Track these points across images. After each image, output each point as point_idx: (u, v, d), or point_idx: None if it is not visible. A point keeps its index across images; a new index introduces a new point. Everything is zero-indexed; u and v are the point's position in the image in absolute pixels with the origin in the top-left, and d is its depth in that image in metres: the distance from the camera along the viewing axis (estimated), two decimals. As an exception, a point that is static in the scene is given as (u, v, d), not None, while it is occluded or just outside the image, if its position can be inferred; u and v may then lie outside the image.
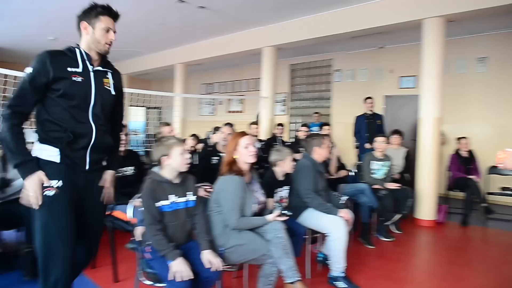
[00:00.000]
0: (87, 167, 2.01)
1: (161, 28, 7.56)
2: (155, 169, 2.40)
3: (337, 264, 3.12)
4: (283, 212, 2.66)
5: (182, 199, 2.38)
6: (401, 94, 7.90)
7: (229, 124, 4.69)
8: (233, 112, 11.17)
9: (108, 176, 2.17)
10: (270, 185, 3.16)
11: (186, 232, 2.40)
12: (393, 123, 7.92)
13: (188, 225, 2.40)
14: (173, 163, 2.32)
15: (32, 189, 1.84)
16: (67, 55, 1.96)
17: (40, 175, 1.86)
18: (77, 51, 1.99)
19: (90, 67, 2.00)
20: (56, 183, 1.90)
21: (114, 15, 2.02)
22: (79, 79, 1.94)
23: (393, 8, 5.58)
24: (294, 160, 3.41)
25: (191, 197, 2.41)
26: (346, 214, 3.22)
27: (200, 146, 5.81)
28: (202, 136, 6.81)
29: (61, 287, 1.88)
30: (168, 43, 8.91)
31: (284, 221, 2.95)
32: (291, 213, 2.71)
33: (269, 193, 3.13)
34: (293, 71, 9.91)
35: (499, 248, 4.42)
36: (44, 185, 1.87)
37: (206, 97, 11.47)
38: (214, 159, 4.20)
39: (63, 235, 1.89)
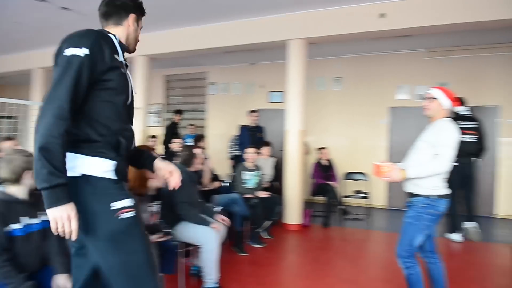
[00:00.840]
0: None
1: (16, 28, 6.70)
2: (-1, 188, 2.10)
3: (211, 276, 3.14)
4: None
5: (36, 220, 2.12)
6: (271, 108, 8.45)
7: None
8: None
9: None
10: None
11: (40, 257, 2.14)
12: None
13: (43, 249, 2.15)
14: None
15: (66, 219, 1.41)
16: (110, 41, 1.61)
17: (72, 206, 1.43)
18: (114, 39, 1.64)
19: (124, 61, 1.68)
20: (129, 203, 1.54)
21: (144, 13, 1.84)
22: (124, 71, 1.63)
23: (262, 28, 5.97)
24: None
25: (45, 216, 2.17)
26: (218, 225, 3.30)
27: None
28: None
29: None
30: (26, 44, 7.92)
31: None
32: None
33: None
34: (168, 82, 9.78)
35: (354, 245, 5.04)
36: (113, 207, 1.50)
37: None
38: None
39: (151, 266, 1.57)
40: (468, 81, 6.73)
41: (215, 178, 5.11)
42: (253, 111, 6.82)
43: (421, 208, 2.62)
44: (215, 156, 7.11)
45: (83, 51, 1.45)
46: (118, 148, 1.57)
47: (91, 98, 1.51)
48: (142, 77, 7.22)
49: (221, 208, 4.40)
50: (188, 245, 3.37)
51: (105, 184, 1.53)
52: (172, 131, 7.50)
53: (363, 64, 7.70)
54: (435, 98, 2.70)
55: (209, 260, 3.13)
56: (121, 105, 1.60)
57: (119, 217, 1.50)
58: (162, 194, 3.28)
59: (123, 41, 1.71)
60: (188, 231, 3.23)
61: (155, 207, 3.22)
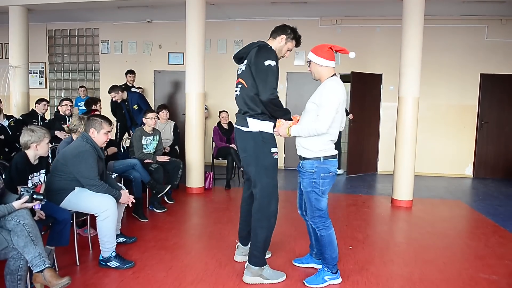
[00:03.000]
0: None
1: None
2: None
3: (108, 244, 3.00)
4: (34, 197, 2.33)
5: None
6: (170, 70, 8.13)
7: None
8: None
9: None
10: (20, 170, 2.73)
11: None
12: (163, 98, 8.13)
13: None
14: None
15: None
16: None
17: None
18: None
19: None
20: (277, 149, 2.82)
21: (299, 45, 2.97)
22: None
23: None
24: (55, 138, 3.04)
25: None
26: (126, 195, 3.23)
27: None
28: None
29: (275, 216, 2.85)
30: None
31: (44, 209, 2.64)
32: (42, 196, 2.41)
33: (21, 180, 2.71)
34: (52, 38, 8.70)
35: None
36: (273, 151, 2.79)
37: None
38: None
39: (277, 188, 2.86)
40: (357, 50, 7.21)
41: (110, 143, 4.79)
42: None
43: (312, 173, 2.68)
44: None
45: (273, 62, 2.71)
46: (272, 117, 2.77)
47: None
48: (19, 31, 6.30)
49: (117, 174, 4.20)
50: (82, 214, 3.17)
51: (270, 136, 2.79)
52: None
53: (262, 28, 7.65)
54: (310, 61, 2.75)
55: (106, 228, 2.97)
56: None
57: (274, 157, 2.79)
58: (45, 163, 3.00)
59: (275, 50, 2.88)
60: (83, 200, 3.01)
61: (41, 176, 2.93)
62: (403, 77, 5.14)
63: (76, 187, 3.05)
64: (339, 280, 2.86)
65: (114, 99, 6.22)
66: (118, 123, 6.59)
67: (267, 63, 2.64)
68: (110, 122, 3.24)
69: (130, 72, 6.87)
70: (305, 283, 2.81)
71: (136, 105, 6.17)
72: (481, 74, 7.25)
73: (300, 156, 2.78)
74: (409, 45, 5.05)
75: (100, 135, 3.15)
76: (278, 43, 2.86)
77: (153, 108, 6.05)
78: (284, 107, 2.81)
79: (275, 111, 2.74)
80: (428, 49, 6.26)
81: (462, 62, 7.25)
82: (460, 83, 7.31)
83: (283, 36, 2.85)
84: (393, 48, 6.86)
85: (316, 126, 2.58)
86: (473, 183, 6.99)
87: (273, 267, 2.97)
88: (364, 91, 7.44)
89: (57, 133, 4.79)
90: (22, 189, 2.33)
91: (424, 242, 3.86)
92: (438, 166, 7.46)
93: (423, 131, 6.69)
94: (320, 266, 2.93)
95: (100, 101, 5.97)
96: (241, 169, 5.97)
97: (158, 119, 5.30)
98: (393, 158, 5.39)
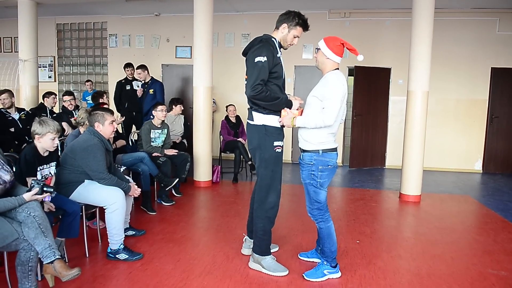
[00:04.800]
0: None
1: None
2: None
3: (117, 237, 3.04)
4: (44, 189, 2.36)
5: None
6: (178, 64, 8.14)
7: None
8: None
9: None
10: (29, 161, 2.76)
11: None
12: (171, 92, 8.14)
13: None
14: None
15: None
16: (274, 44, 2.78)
17: None
18: (275, 41, 2.81)
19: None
20: (282, 143, 2.84)
21: (307, 29, 2.86)
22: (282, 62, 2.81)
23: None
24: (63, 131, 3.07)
25: None
26: (134, 187, 3.29)
27: None
28: None
29: (274, 209, 2.89)
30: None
31: (54, 201, 2.68)
32: (52, 189, 2.43)
33: (29, 171, 2.74)
34: (61, 32, 8.74)
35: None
36: (275, 144, 2.80)
37: None
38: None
39: (280, 178, 2.89)
40: (365, 43, 7.21)
41: (119, 136, 4.83)
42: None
43: (311, 165, 2.69)
44: (116, 115, 6.71)
45: (263, 58, 2.64)
46: (279, 110, 2.76)
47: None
48: (28, 25, 6.35)
49: (126, 167, 4.23)
50: (92, 207, 3.20)
51: (274, 129, 2.80)
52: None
53: (270, 21, 7.63)
54: (319, 48, 2.72)
55: (115, 221, 3.00)
56: (281, 85, 2.81)
57: (276, 150, 2.80)
58: (55, 155, 3.03)
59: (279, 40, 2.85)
60: (92, 193, 3.05)
61: (51, 169, 2.96)
62: (412, 71, 5.09)
63: (85, 180, 3.09)
64: (339, 274, 2.85)
65: (139, 77, 6.47)
66: (121, 112, 6.65)
67: (256, 59, 2.62)
68: (111, 112, 3.27)
69: (129, 65, 6.73)
70: (305, 277, 2.81)
71: (153, 90, 6.33)
72: (492, 68, 7.14)
73: (300, 149, 2.81)
74: (419, 39, 4.98)
75: (106, 126, 3.17)
76: (281, 33, 2.82)
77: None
78: (277, 97, 2.70)
79: (266, 105, 2.70)
80: (438, 43, 6.19)
81: (473, 56, 7.15)
82: (470, 77, 7.21)
83: (285, 24, 2.80)
84: (403, 42, 6.81)
85: (324, 118, 2.57)
86: (483, 178, 6.92)
87: (279, 260, 2.99)
88: (369, 85, 7.40)
89: (64, 124, 4.82)
90: (32, 181, 2.36)
91: (432, 237, 3.84)
92: (447, 161, 7.40)
93: (432, 125, 6.64)
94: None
95: (106, 93, 6.00)
96: (249, 163, 6.01)
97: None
98: (402, 153, 5.36)
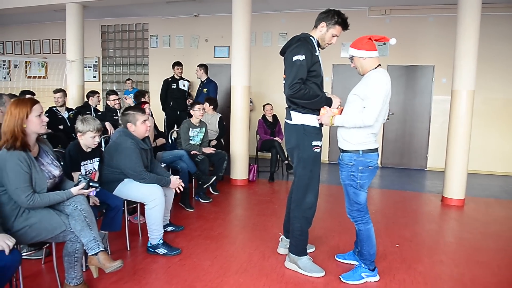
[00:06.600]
0: None
1: None
2: None
3: (156, 232, 3.13)
4: (90, 184, 2.47)
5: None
6: (216, 63, 8.24)
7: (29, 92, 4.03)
8: (34, 77, 9.61)
9: None
10: (73, 157, 2.90)
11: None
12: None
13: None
14: None
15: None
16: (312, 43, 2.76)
17: None
18: (314, 40, 2.78)
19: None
20: (320, 143, 2.82)
21: (347, 28, 2.81)
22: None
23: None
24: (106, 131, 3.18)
25: None
26: (176, 180, 3.36)
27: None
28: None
29: (312, 209, 2.87)
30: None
31: (98, 195, 2.79)
32: (97, 184, 2.54)
33: (73, 166, 2.88)
34: (105, 33, 9.11)
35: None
36: (314, 144, 2.78)
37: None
38: None
39: (318, 178, 2.88)
40: (407, 41, 6.99)
41: (159, 135, 4.97)
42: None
43: (350, 166, 2.64)
44: (159, 112, 6.90)
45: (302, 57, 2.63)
46: (318, 109, 2.74)
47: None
48: (75, 27, 6.64)
49: (165, 165, 4.34)
50: (133, 202, 3.32)
51: (313, 129, 2.77)
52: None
53: (308, 20, 7.57)
54: (353, 56, 2.66)
55: (154, 216, 3.10)
56: (320, 83, 2.79)
57: (314, 150, 2.77)
58: (99, 152, 3.17)
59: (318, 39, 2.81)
60: (131, 190, 3.16)
61: (94, 164, 3.10)
62: (457, 69, 4.88)
63: (125, 178, 3.20)
64: (377, 278, 2.79)
65: (196, 75, 6.79)
66: (166, 110, 6.82)
67: (295, 58, 2.60)
68: (143, 111, 3.30)
69: (178, 64, 6.92)
70: (341, 279, 2.77)
71: (206, 89, 6.55)
72: (543, 65, 6.72)
73: (340, 149, 2.76)
74: (464, 35, 4.77)
75: (138, 126, 3.21)
76: (320, 32, 2.78)
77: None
78: (317, 94, 2.68)
79: (305, 103, 2.67)
80: (484, 39, 5.87)
81: (522, 53, 6.76)
82: (519, 75, 6.82)
83: (323, 23, 2.75)
84: (446, 39, 6.55)
85: (364, 117, 2.51)
86: (533, 183, 6.53)
87: (316, 260, 2.97)
88: (406, 83, 7.20)
89: (107, 124, 5.02)
90: (80, 176, 2.48)
91: (476, 243, 3.67)
92: (493, 164, 7.03)
93: (477, 126, 6.33)
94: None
95: (148, 92, 6.17)
96: (285, 162, 6.00)
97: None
98: (445, 154, 5.15)
